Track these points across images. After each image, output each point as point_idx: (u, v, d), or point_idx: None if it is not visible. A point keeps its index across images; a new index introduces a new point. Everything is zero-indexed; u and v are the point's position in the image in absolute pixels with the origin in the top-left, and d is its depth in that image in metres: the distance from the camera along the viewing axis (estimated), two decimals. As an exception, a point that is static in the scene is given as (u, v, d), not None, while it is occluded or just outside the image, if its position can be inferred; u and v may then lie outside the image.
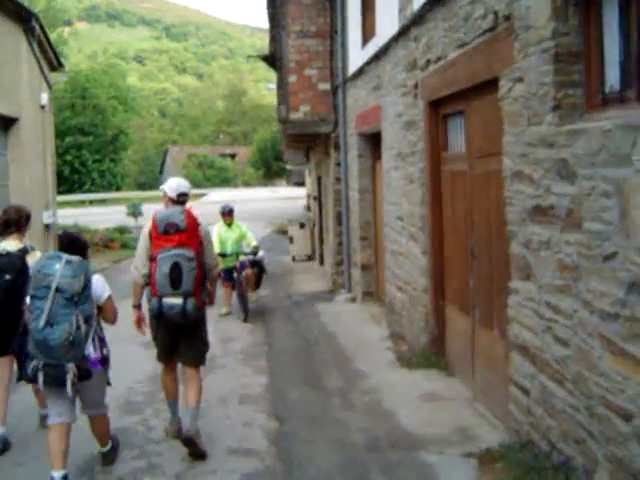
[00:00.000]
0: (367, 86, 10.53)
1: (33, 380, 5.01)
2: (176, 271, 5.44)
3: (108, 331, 5.53)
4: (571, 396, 4.29)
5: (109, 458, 5.56)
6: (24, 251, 6.09)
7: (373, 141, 11.16)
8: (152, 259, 5.59)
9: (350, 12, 11.84)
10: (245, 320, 11.20)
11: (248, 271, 11.42)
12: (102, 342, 5.33)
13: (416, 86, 7.72)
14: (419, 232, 7.85)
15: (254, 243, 11.80)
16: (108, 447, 5.57)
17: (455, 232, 7.00)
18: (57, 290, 4.83)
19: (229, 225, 11.76)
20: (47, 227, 16.18)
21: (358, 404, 6.68)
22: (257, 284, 11.95)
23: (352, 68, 11.60)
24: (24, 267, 5.90)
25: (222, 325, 10.83)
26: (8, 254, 6.01)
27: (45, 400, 5.35)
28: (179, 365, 6.07)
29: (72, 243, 5.29)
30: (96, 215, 33.17)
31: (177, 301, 5.48)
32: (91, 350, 5.14)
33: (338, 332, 9.81)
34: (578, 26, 4.36)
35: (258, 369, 8.29)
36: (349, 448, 5.61)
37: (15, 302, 5.75)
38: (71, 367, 4.87)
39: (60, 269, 4.88)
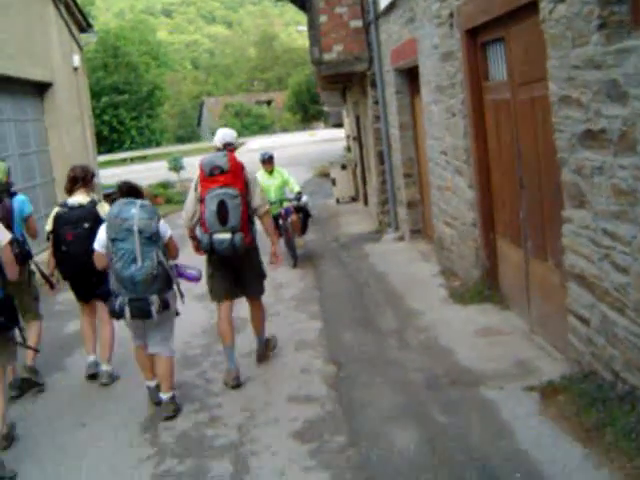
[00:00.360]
0: (400, 20, 10.25)
1: (120, 315, 5.55)
2: (223, 208, 5.90)
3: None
4: (633, 324, 4.19)
5: (171, 409, 5.65)
6: (94, 202, 6.51)
7: (410, 76, 10.91)
8: (201, 200, 6.02)
9: (377, -56, 11.48)
10: (294, 266, 11.23)
11: (293, 217, 11.38)
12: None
13: (451, 15, 7.47)
14: (464, 165, 7.70)
15: (297, 188, 11.76)
16: (170, 395, 5.69)
17: (502, 163, 6.83)
18: (138, 232, 5.36)
19: (270, 172, 11.69)
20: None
21: (414, 343, 6.64)
22: (303, 229, 11.93)
23: (384, 2, 11.27)
24: (98, 216, 6.29)
25: (272, 272, 10.75)
26: (81, 206, 6.42)
27: (130, 330, 5.90)
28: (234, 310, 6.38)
29: (131, 190, 5.73)
30: (138, 172, 33.37)
31: (226, 236, 5.94)
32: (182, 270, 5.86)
33: (388, 272, 9.74)
34: (621, -63, 4.13)
35: (311, 314, 8.31)
36: (409, 388, 5.58)
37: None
38: (155, 299, 5.44)
39: (137, 212, 5.41)
